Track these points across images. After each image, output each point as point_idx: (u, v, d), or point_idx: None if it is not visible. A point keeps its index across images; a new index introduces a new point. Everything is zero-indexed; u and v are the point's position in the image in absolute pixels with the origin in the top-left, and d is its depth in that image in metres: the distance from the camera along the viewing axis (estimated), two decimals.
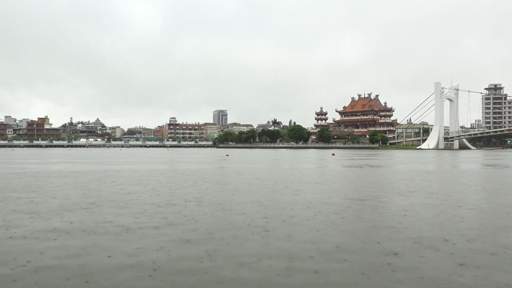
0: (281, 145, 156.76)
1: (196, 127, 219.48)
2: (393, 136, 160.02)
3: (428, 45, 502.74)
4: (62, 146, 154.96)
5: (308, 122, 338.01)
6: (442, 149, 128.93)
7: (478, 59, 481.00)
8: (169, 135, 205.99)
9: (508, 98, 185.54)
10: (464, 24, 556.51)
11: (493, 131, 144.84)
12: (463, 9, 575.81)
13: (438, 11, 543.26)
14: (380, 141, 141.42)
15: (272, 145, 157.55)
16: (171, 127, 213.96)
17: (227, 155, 54.31)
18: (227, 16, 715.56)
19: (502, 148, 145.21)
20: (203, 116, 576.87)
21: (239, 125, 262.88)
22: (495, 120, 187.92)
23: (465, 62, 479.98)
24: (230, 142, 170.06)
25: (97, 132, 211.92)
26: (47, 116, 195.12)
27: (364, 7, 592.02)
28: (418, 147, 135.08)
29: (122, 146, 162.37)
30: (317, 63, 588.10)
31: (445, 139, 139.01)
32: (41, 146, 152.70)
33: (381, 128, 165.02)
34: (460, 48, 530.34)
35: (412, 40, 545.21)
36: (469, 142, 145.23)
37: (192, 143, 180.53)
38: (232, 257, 5.39)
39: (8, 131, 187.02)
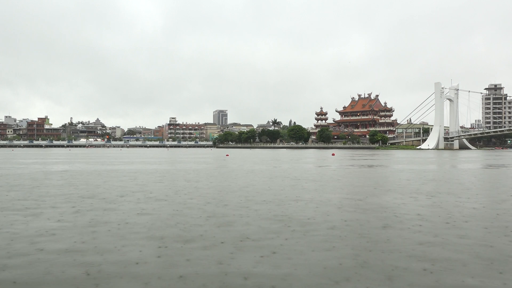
0: (281, 145, 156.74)
1: (196, 127, 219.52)
2: (393, 136, 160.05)
3: (434, 44, 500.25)
4: (62, 146, 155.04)
5: (309, 122, 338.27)
6: (442, 149, 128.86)
7: (485, 59, 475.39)
8: (169, 135, 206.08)
9: (508, 98, 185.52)
10: (472, 21, 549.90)
11: (493, 131, 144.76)
12: (471, 6, 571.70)
13: (443, 9, 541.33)
14: (380, 141, 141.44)
15: (272, 145, 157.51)
16: (171, 127, 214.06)
17: (227, 155, 54.33)
18: (232, 14, 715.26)
19: (502, 148, 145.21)
20: (203, 116, 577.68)
21: (239, 125, 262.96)
22: (495, 120, 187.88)
23: (472, 61, 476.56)
24: (230, 142, 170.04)
25: (97, 132, 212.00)
26: (47, 116, 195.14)
27: (371, 6, 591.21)
28: (418, 147, 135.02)
29: (122, 146, 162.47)
30: (321, 62, 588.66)
31: (445, 139, 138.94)
32: (41, 146, 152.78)
33: (381, 128, 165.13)
34: (466, 47, 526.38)
35: (418, 39, 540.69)
36: (469, 142, 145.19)
37: (192, 143, 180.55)
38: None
39: (8, 131, 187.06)
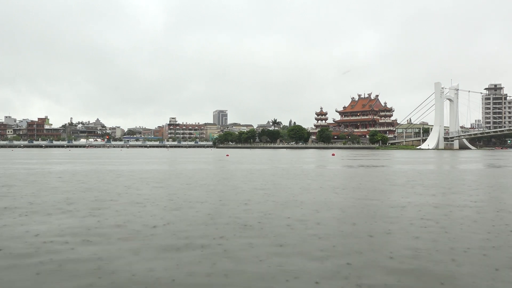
0: (281, 145, 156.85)
1: (196, 127, 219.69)
2: (393, 136, 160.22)
3: (437, 44, 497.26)
4: (62, 146, 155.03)
5: (309, 122, 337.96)
6: (442, 149, 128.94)
7: (493, 58, 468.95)
8: (169, 135, 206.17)
9: (508, 98, 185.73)
10: (481, 21, 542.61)
11: (493, 131, 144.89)
12: (474, 6, 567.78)
13: (445, 8, 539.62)
14: (380, 141, 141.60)
15: (272, 145, 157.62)
16: (171, 127, 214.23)
17: (227, 155, 54.34)
18: (234, 13, 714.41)
19: (502, 148, 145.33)
20: (203, 116, 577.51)
21: (239, 125, 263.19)
22: (495, 120, 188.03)
23: (481, 61, 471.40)
24: (230, 142, 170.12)
25: (97, 132, 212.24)
26: (47, 117, 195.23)
27: (375, 5, 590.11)
28: (418, 147, 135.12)
29: (122, 147, 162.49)
30: (323, 62, 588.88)
31: (445, 139, 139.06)
32: (41, 146, 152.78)
33: (381, 128, 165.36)
34: (475, 47, 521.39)
35: (421, 39, 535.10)
36: (469, 142, 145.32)
37: (192, 143, 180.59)
38: None
39: (8, 131, 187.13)
